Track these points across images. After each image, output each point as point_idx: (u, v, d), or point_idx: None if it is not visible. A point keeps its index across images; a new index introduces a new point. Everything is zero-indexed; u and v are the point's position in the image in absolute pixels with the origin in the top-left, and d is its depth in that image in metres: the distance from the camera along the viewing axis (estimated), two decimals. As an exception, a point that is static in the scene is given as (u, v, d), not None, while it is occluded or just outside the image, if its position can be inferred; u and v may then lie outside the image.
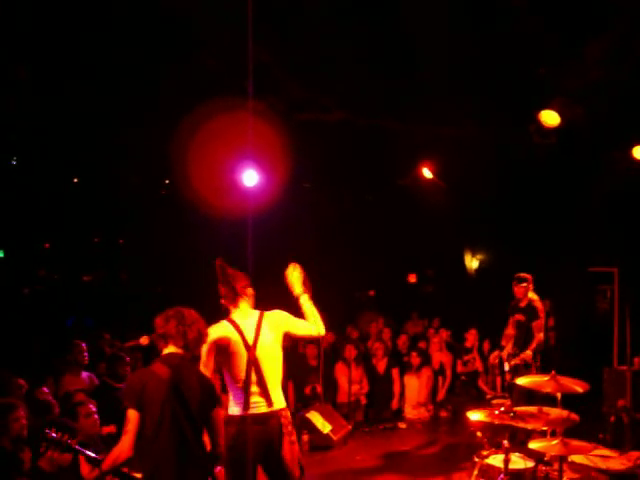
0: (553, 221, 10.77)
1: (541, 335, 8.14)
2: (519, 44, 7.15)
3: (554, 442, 5.19)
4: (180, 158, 10.04)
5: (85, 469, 4.71)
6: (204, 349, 4.53)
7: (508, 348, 8.26)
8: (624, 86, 7.60)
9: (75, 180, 14.08)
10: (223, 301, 4.94)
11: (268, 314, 4.91)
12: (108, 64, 8.03)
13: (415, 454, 8.57)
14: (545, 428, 5.55)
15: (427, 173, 11.38)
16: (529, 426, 5.28)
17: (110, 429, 6.22)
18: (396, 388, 10.48)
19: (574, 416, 5.42)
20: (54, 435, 4.35)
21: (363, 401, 10.22)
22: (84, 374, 7.68)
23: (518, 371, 7.89)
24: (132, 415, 3.85)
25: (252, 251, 10.38)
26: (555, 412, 5.49)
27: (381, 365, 10.48)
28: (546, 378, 5.49)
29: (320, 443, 8.42)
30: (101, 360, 8.10)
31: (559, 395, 5.69)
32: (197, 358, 4.42)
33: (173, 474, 3.87)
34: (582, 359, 10.72)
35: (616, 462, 5.34)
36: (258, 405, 4.60)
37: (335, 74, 8.64)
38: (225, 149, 9.62)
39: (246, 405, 4.57)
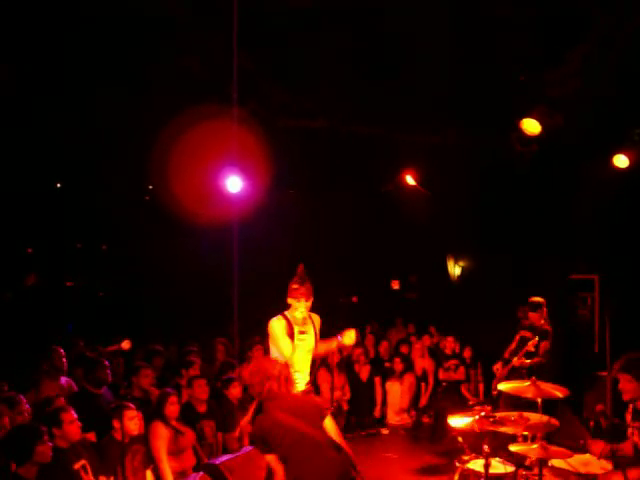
0: (534, 229, 10.84)
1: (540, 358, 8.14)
2: (500, 52, 7.22)
3: (534, 446, 5.24)
4: (164, 164, 10.03)
5: None
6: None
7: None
8: (604, 94, 7.68)
9: (58, 185, 14.01)
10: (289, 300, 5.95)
11: (314, 315, 6.07)
12: (92, 69, 8.02)
13: (397, 460, 8.59)
14: (526, 433, 5.60)
15: (410, 180, 11.42)
16: (509, 431, 5.32)
17: (90, 436, 6.16)
18: (378, 395, 10.51)
19: (554, 421, 5.47)
20: None
21: (345, 407, 10.22)
22: (63, 380, 7.63)
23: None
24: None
25: (237, 256, 10.40)
26: (535, 417, 5.54)
27: (364, 372, 10.49)
28: (527, 384, 5.55)
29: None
30: (78, 365, 8.03)
31: (539, 400, 5.75)
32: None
33: None
34: (563, 365, 10.80)
35: (595, 466, 5.38)
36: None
37: (319, 81, 8.68)
38: (209, 155, 9.61)
39: None
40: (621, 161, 9.05)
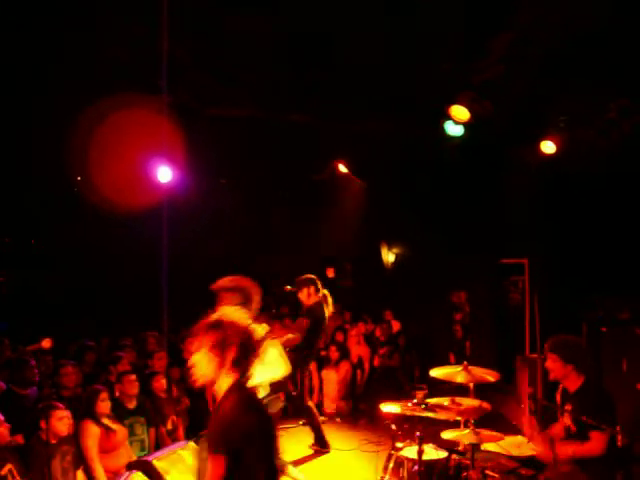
0: (465, 214, 10.97)
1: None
2: (428, 40, 7.24)
3: (465, 431, 5.30)
4: (92, 155, 9.82)
5: None
6: None
7: None
8: (530, 81, 7.79)
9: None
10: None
11: None
12: (16, 59, 7.77)
13: (334, 448, 8.59)
14: (458, 418, 5.65)
15: (343, 169, 11.43)
16: (441, 417, 5.35)
17: (17, 438, 5.95)
18: (315, 382, 10.50)
19: (486, 405, 5.53)
20: None
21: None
22: (-10, 380, 7.38)
23: None
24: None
25: (167, 248, 10.26)
26: (467, 402, 5.60)
27: (299, 360, 10.47)
28: (459, 369, 5.60)
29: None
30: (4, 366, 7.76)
31: (471, 385, 5.82)
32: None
33: None
34: (496, 348, 10.99)
35: (526, 448, 5.47)
36: None
37: (250, 70, 8.58)
38: (139, 145, 9.46)
39: None
40: (548, 147, 9.21)
